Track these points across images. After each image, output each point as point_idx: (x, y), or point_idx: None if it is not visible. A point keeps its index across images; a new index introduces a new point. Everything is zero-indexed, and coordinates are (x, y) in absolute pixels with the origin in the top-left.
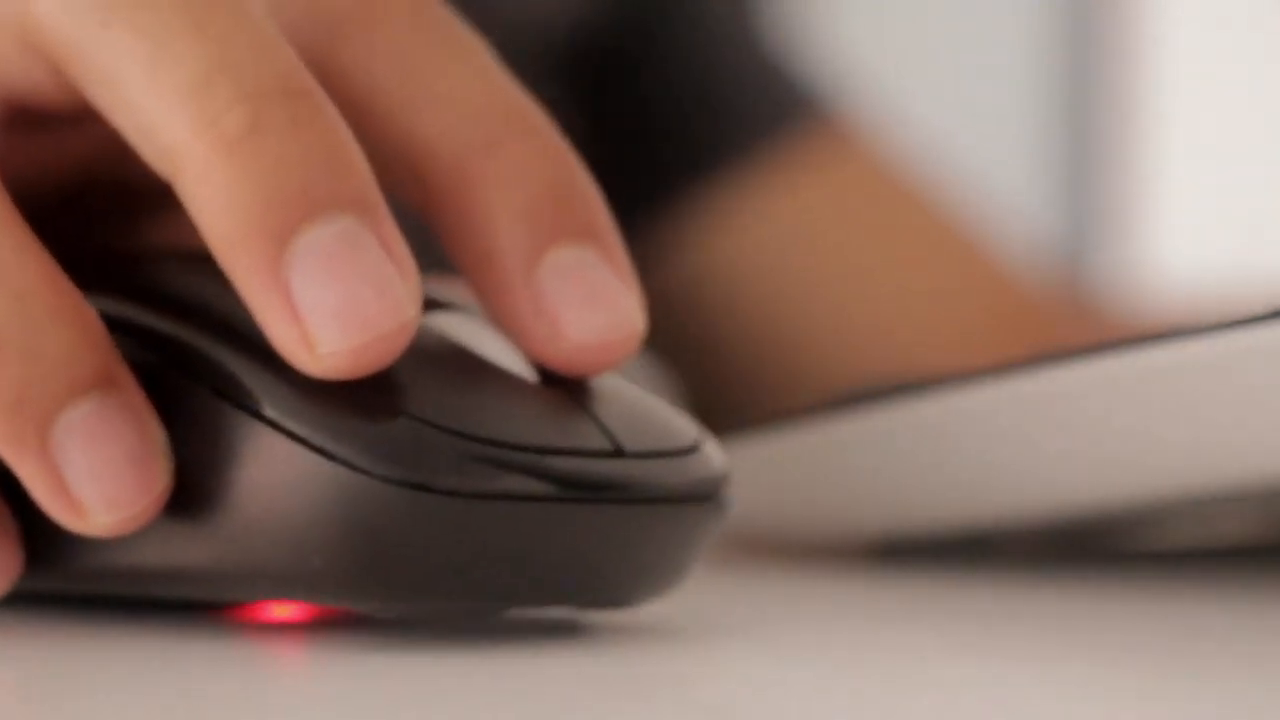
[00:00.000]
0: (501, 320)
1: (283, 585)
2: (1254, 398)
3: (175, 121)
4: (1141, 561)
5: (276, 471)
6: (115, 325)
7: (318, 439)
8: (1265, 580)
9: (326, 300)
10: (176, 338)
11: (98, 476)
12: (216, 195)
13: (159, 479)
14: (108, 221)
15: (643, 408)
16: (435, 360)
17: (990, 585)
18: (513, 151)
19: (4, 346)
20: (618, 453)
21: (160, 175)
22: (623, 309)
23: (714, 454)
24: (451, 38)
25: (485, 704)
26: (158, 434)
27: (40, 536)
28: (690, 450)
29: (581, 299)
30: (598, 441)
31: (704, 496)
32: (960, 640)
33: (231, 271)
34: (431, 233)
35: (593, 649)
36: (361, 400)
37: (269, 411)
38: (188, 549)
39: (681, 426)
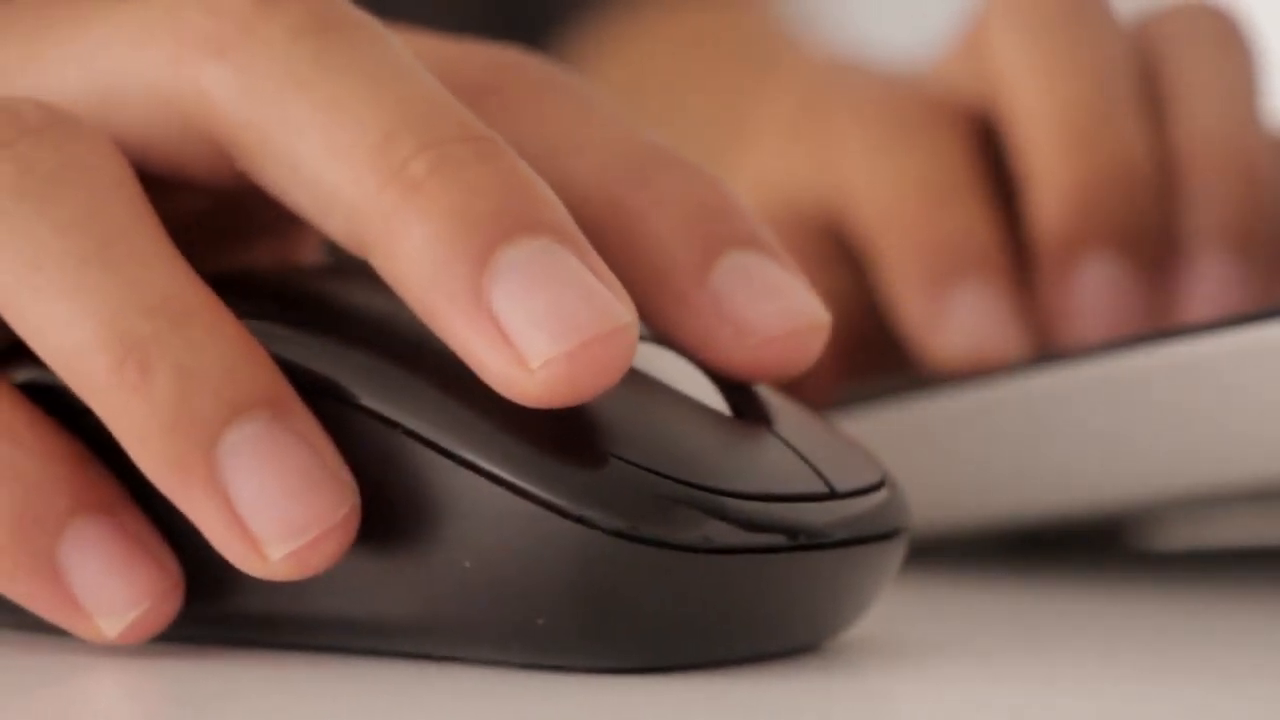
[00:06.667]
0: (683, 333)
1: (499, 643)
2: (1254, 397)
3: (360, 181)
4: (1141, 561)
5: (500, 526)
6: (286, 363)
7: (549, 495)
8: (1266, 580)
9: (533, 310)
10: (361, 372)
11: (271, 500)
12: (408, 236)
13: (339, 503)
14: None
15: (831, 438)
16: (646, 402)
17: (984, 586)
18: (662, 180)
19: (156, 366)
20: (831, 494)
21: (352, 248)
22: (803, 299)
23: (897, 482)
24: (580, 95)
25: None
26: (333, 459)
27: (223, 577)
28: (883, 482)
29: (761, 295)
30: (813, 484)
31: (904, 529)
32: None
33: (431, 311)
34: None
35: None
36: (586, 450)
37: (487, 464)
38: (389, 600)
39: (865, 455)
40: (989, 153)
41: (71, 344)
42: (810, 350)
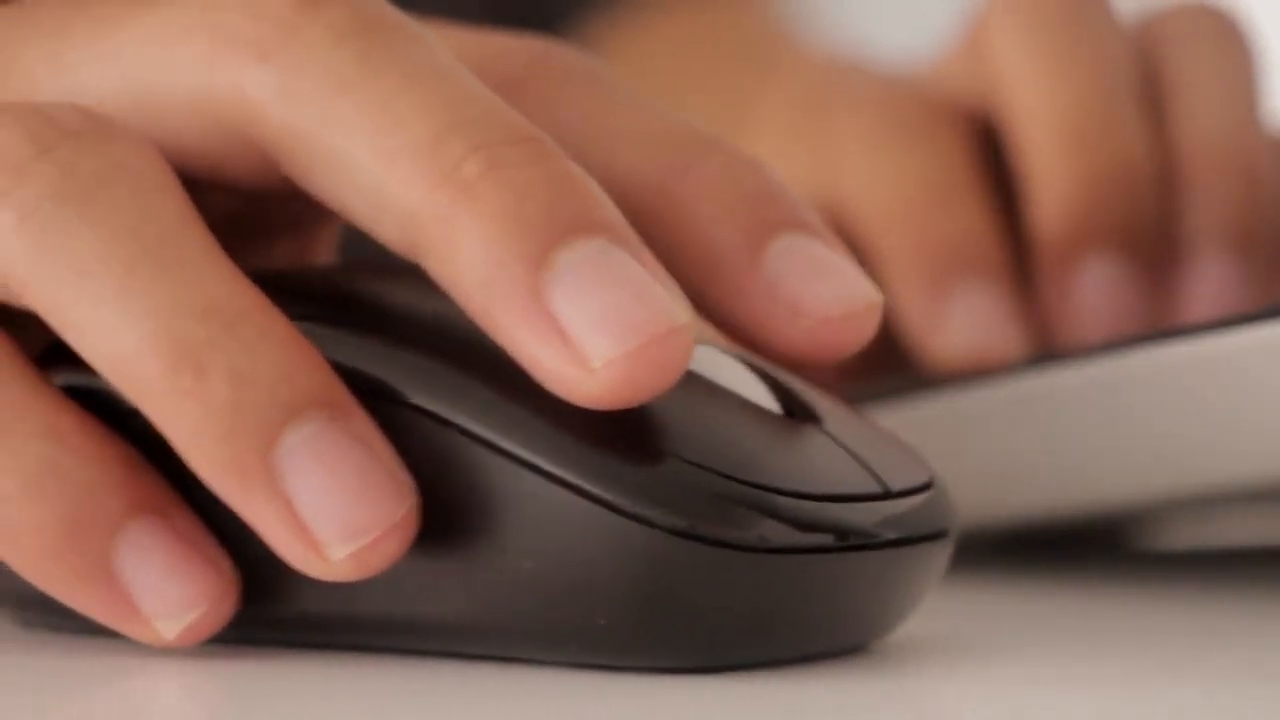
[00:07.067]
0: (737, 316)
1: (557, 643)
2: (1254, 397)
3: (412, 184)
4: (1141, 561)
5: (558, 525)
6: (337, 364)
7: (607, 494)
8: (1266, 580)
9: (592, 309)
10: (413, 372)
11: (331, 501)
12: (464, 238)
13: (399, 503)
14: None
15: (879, 437)
16: (701, 402)
17: (984, 586)
18: (707, 167)
19: (211, 370)
20: (886, 494)
21: (403, 252)
22: (855, 279)
23: (944, 482)
24: (613, 84)
25: None
26: (391, 459)
27: (276, 579)
28: (932, 482)
29: (814, 276)
30: (868, 484)
31: (952, 529)
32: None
33: (488, 313)
34: None
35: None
36: (643, 448)
37: (544, 462)
38: (446, 601)
39: (913, 454)
40: (989, 153)
41: (122, 349)
42: (866, 330)
